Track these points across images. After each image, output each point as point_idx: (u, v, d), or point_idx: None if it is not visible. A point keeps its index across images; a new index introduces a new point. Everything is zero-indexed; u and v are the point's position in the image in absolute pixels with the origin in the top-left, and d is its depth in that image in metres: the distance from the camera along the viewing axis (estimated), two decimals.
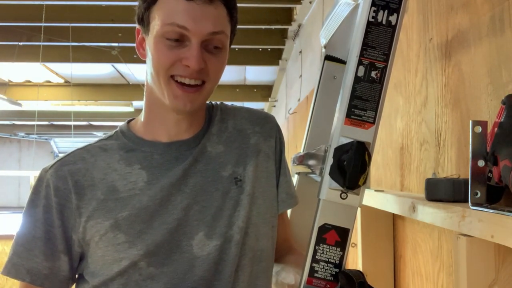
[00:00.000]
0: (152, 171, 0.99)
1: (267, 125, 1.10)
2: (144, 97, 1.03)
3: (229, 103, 1.17)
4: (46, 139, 14.62)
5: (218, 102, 1.13)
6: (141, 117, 1.05)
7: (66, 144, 14.46)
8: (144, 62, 1.00)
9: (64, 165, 1.00)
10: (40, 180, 1.00)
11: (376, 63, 0.79)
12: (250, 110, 1.13)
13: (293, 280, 0.98)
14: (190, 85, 0.94)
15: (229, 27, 0.97)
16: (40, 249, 0.98)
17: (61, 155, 1.04)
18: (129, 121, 1.08)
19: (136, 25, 1.01)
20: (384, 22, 0.80)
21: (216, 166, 1.02)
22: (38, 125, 9.70)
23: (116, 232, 0.96)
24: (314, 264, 0.80)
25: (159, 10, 0.94)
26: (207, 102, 1.10)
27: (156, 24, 0.94)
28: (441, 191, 0.88)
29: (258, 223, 1.03)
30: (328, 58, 1.17)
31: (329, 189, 0.79)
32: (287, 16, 4.23)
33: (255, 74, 6.70)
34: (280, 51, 5.14)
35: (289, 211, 1.22)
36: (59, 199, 0.97)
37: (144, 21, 0.97)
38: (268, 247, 1.05)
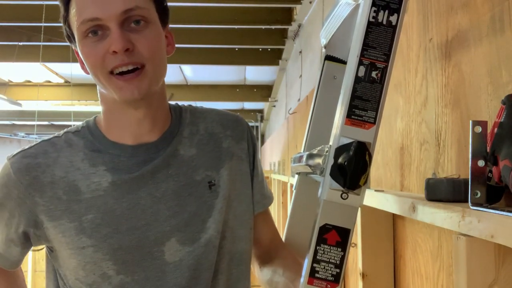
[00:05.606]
0: (117, 173, 0.95)
1: (239, 128, 1.09)
2: (100, 103, 1.00)
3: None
4: None
5: (186, 104, 1.10)
6: (102, 118, 1.02)
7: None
8: None
9: (24, 157, 0.97)
10: (4, 167, 0.97)
11: (376, 63, 0.79)
12: (221, 113, 1.10)
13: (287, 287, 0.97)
14: (129, 71, 0.90)
15: (147, 1, 0.92)
16: (0, 230, 0.99)
17: (27, 145, 1.00)
18: (96, 117, 1.04)
19: (72, 46, 0.99)
20: (384, 22, 0.80)
21: (188, 170, 0.99)
22: (38, 125, 9.70)
23: (81, 236, 0.93)
24: (315, 265, 0.80)
25: (72, 16, 0.92)
26: (174, 103, 1.07)
27: (75, 29, 0.92)
28: (441, 191, 0.88)
29: (234, 226, 1.02)
30: (328, 58, 1.17)
31: (329, 189, 0.79)
32: (287, 16, 4.22)
33: (255, 74, 6.69)
34: (280, 51, 5.14)
35: (289, 212, 1.22)
36: (18, 191, 0.95)
37: (70, 36, 0.96)
38: (246, 250, 1.04)
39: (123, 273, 0.93)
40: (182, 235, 0.96)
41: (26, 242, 0.99)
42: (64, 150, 0.97)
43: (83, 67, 0.97)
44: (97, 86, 0.97)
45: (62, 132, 1.02)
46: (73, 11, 0.92)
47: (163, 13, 0.97)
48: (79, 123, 1.04)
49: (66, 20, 0.94)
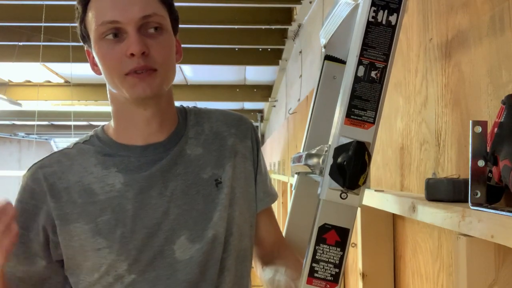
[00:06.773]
0: (129, 173, 0.98)
1: (243, 126, 1.10)
2: (110, 104, 1.02)
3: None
4: (46, 139, 14.61)
5: (191, 106, 1.12)
6: (112, 123, 1.04)
7: (66, 145, 14.42)
8: None
9: (40, 168, 1.00)
10: (22, 182, 1.00)
11: (376, 63, 0.79)
12: (225, 112, 1.12)
13: (289, 287, 0.97)
14: (142, 72, 0.92)
15: (163, 9, 0.96)
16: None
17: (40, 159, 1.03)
18: (103, 125, 1.07)
19: (85, 47, 1.01)
20: (384, 22, 0.80)
21: (196, 168, 1.02)
22: (38, 125, 9.71)
23: (97, 237, 0.95)
24: (314, 264, 0.80)
25: (90, 17, 0.94)
26: (179, 105, 1.09)
27: (92, 30, 0.94)
28: (441, 191, 0.88)
29: (240, 223, 1.04)
30: (328, 58, 1.17)
31: (329, 189, 0.79)
32: (287, 16, 4.23)
33: (255, 74, 6.69)
34: (280, 51, 5.14)
35: (289, 211, 1.22)
36: (35, 201, 0.97)
37: (85, 36, 0.97)
38: (249, 247, 1.07)
39: (135, 273, 0.95)
40: (191, 233, 0.98)
41: (51, 254, 0.98)
42: (76, 158, 1.01)
43: (93, 68, 1.00)
44: (107, 86, 0.99)
45: (71, 144, 1.05)
46: (91, 12, 0.94)
47: (175, 22, 1.00)
48: (85, 133, 1.07)
49: (83, 20, 0.96)
